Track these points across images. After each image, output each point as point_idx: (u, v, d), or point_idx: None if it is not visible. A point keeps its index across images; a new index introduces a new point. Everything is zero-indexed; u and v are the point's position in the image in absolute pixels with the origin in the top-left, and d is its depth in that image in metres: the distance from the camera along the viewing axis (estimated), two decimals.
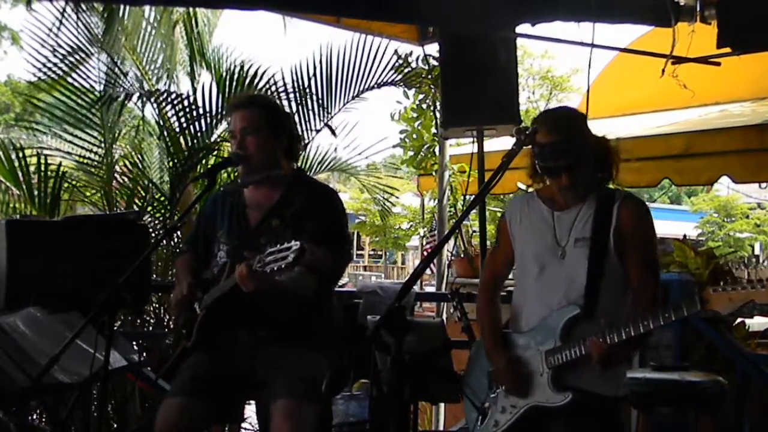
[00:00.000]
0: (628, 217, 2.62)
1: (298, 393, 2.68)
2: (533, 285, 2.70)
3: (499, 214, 9.26)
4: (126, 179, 5.46)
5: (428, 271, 7.20)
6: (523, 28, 4.60)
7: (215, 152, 5.32)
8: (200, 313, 2.88)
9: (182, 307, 2.94)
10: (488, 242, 4.86)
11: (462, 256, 5.77)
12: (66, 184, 5.22)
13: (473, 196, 5.17)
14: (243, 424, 4.17)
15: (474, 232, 6.48)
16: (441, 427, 5.32)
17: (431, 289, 8.28)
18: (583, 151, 2.64)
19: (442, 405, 5.30)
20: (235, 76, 5.33)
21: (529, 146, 2.69)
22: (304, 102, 5.42)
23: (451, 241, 5.76)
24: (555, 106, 3.28)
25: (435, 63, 5.33)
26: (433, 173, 6.09)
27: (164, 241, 4.99)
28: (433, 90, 5.59)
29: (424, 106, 5.86)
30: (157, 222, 5.25)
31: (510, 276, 3.05)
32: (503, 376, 2.72)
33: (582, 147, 2.65)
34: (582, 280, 2.60)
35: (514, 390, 2.70)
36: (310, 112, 5.45)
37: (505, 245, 2.88)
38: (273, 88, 5.29)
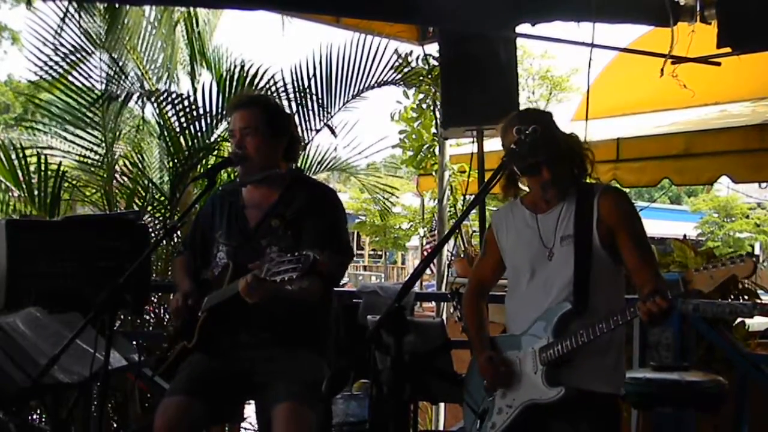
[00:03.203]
0: (608, 206, 2.61)
1: (299, 396, 2.68)
2: (525, 290, 2.71)
3: None
4: (126, 179, 5.46)
5: (428, 271, 7.21)
6: (523, 28, 4.61)
7: (215, 152, 5.31)
8: (201, 316, 2.88)
9: (180, 315, 2.94)
10: None
11: (462, 256, 5.77)
12: (66, 184, 5.21)
13: (473, 196, 5.17)
14: (243, 424, 4.18)
15: (474, 232, 6.48)
16: (441, 427, 5.32)
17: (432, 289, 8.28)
18: (557, 145, 2.65)
19: (442, 405, 5.30)
20: (235, 76, 5.32)
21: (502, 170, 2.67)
22: (304, 102, 5.41)
23: (451, 241, 5.76)
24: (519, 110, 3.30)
25: (435, 63, 5.33)
26: (433, 173, 6.09)
27: (164, 241, 4.98)
28: (433, 90, 5.59)
29: (424, 106, 5.86)
30: (157, 222, 5.25)
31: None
32: (484, 371, 2.75)
33: (555, 140, 2.66)
34: (570, 277, 2.60)
35: (495, 383, 2.71)
36: (310, 112, 5.45)
37: (492, 255, 2.90)
38: (273, 88, 5.29)
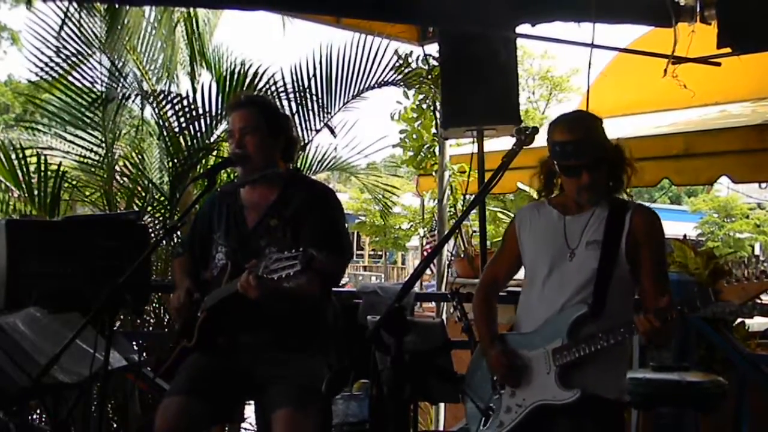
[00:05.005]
0: (640, 223, 2.64)
1: (298, 402, 2.69)
2: (541, 287, 2.71)
3: (499, 214, 9.29)
4: (126, 179, 5.46)
5: (428, 271, 7.21)
6: (523, 28, 4.60)
7: (215, 152, 5.32)
8: (201, 315, 2.88)
9: (181, 313, 2.94)
10: (488, 242, 4.86)
11: (462, 256, 5.77)
12: (66, 184, 5.22)
13: (473, 196, 5.17)
14: (243, 424, 4.17)
15: (474, 232, 6.48)
16: (441, 427, 5.32)
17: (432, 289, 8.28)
18: (601, 151, 2.65)
19: (442, 405, 5.30)
20: (235, 76, 5.33)
21: (542, 166, 2.75)
22: (303, 102, 5.41)
23: (451, 241, 5.76)
24: (571, 111, 3.36)
25: (435, 63, 5.33)
26: (433, 173, 6.09)
27: (164, 241, 4.98)
28: (433, 90, 5.59)
29: (424, 106, 5.87)
30: (157, 222, 5.25)
31: (516, 277, 3.06)
32: (495, 365, 2.74)
33: (601, 147, 2.66)
34: (591, 280, 2.61)
35: (506, 379, 2.71)
36: (310, 112, 5.45)
37: (510, 251, 2.89)
38: (273, 88, 5.29)
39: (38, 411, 4.28)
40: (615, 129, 5.96)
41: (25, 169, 5.13)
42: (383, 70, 5.40)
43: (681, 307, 2.39)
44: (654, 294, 2.57)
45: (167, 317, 5.03)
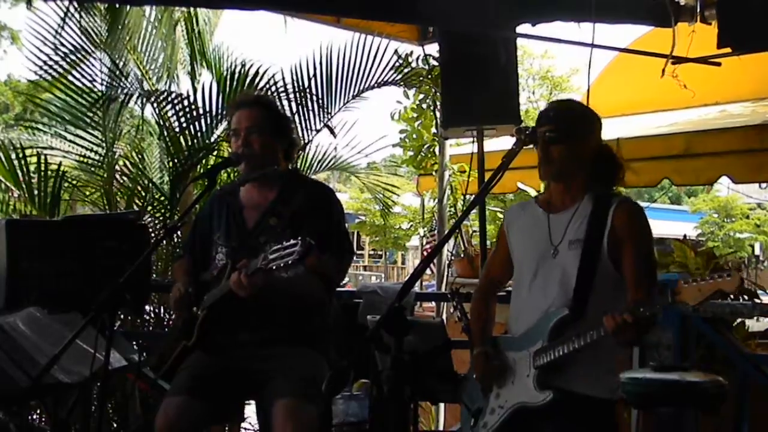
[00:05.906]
0: (622, 217, 2.59)
1: (300, 392, 2.68)
2: (527, 289, 2.70)
3: (499, 214, 9.29)
4: (126, 179, 5.46)
5: (428, 271, 7.21)
6: (523, 28, 4.61)
7: (215, 152, 5.32)
8: (201, 313, 2.88)
9: (181, 306, 2.94)
10: (488, 242, 4.86)
11: (462, 256, 5.77)
12: (66, 184, 5.21)
13: (473, 196, 5.17)
14: (243, 424, 4.18)
15: (474, 232, 6.48)
16: (441, 427, 5.32)
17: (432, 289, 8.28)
18: (578, 136, 2.63)
19: (442, 405, 5.31)
20: (236, 76, 5.32)
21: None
22: (304, 102, 5.41)
23: (451, 241, 5.76)
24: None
25: (435, 63, 5.33)
26: (433, 173, 6.10)
27: (164, 241, 4.98)
28: (433, 90, 5.59)
29: (424, 106, 5.87)
30: (157, 222, 5.25)
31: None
32: (476, 365, 2.75)
33: (579, 132, 2.64)
34: (572, 282, 2.58)
35: (484, 379, 2.73)
36: (310, 112, 5.45)
37: (502, 251, 2.90)
38: (273, 88, 5.29)
39: (38, 411, 4.28)
40: (615, 129, 5.99)
41: (25, 169, 5.12)
42: (383, 70, 5.40)
43: (642, 308, 2.35)
44: (636, 289, 2.55)
45: (167, 317, 5.03)
